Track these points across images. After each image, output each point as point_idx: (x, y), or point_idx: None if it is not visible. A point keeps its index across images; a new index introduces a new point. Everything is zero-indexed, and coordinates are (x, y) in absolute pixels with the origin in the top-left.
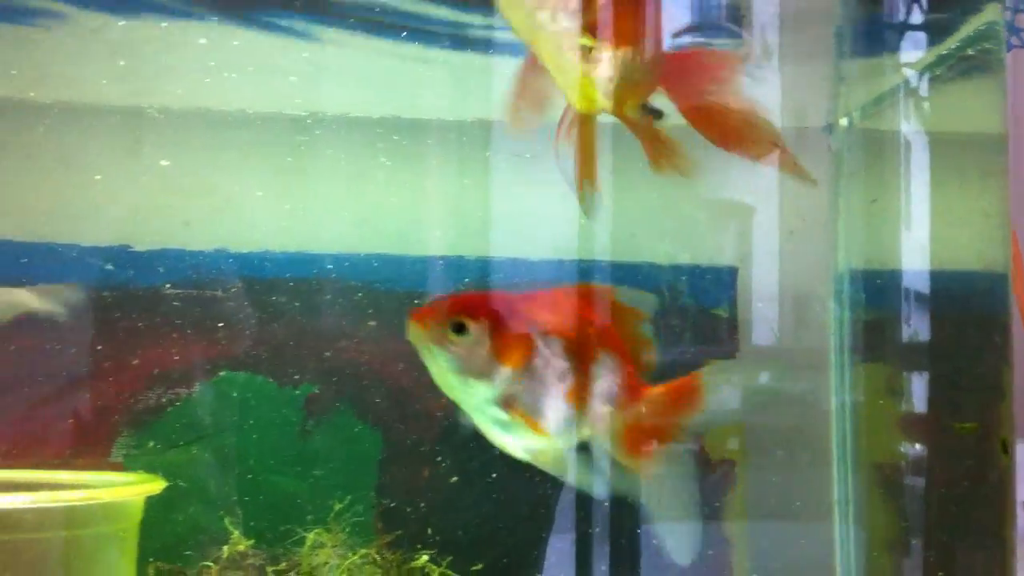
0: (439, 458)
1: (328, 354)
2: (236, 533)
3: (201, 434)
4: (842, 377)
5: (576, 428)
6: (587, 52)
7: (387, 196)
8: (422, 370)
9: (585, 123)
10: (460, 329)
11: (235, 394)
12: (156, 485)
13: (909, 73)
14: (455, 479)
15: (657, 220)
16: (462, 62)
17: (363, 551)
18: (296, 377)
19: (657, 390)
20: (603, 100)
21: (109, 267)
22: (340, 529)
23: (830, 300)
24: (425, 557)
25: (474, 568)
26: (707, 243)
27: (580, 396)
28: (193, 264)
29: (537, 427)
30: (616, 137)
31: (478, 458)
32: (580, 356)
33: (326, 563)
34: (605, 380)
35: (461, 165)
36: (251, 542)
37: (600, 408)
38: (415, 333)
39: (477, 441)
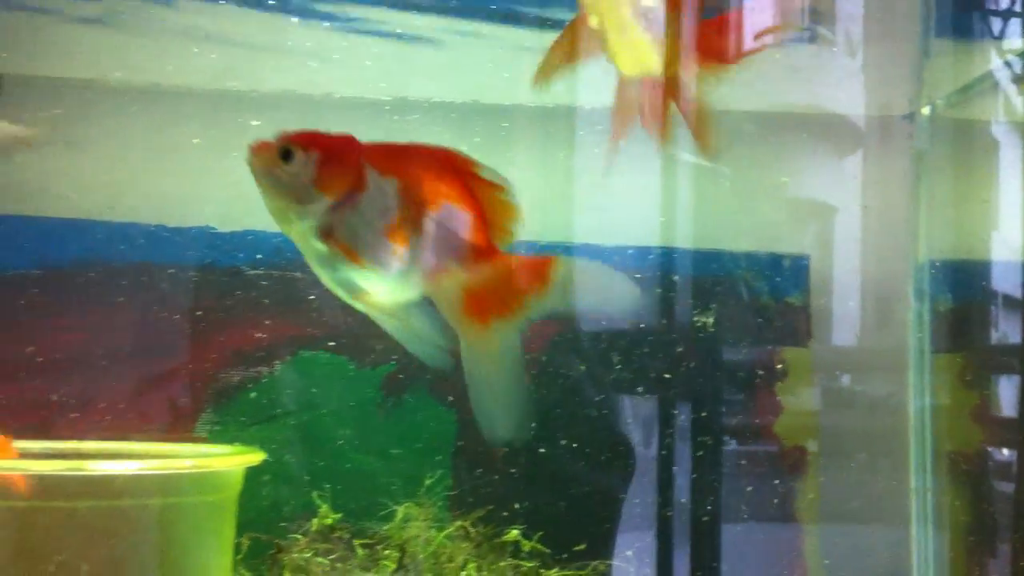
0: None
1: None
2: (324, 507)
3: (281, 411)
4: (921, 369)
5: (409, 276)
6: (648, 13)
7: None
8: None
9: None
10: (288, 156)
11: (314, 373)
12: (256, 456)
13: (1001, 60)
14: (529, 458)
15: (734, 210)
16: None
17: (458, 523)
18: (374, 357)
19: (510, 257)
20: (654, 62)
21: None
22: (431, 503)
23: (909, 291)
24: (516, 532)
25: (576, 548)
26: (781, 233)
27: (413, 240)
28: (272, 246)
29: (356, 258)
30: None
31: (553, 438)
32: (420, 201)
33: (417, 536)
34: (450, 233)
35: (545, 151)
36: (339, 516)
37: (441, 260)
38: (252, 160)
39: (551, 421)
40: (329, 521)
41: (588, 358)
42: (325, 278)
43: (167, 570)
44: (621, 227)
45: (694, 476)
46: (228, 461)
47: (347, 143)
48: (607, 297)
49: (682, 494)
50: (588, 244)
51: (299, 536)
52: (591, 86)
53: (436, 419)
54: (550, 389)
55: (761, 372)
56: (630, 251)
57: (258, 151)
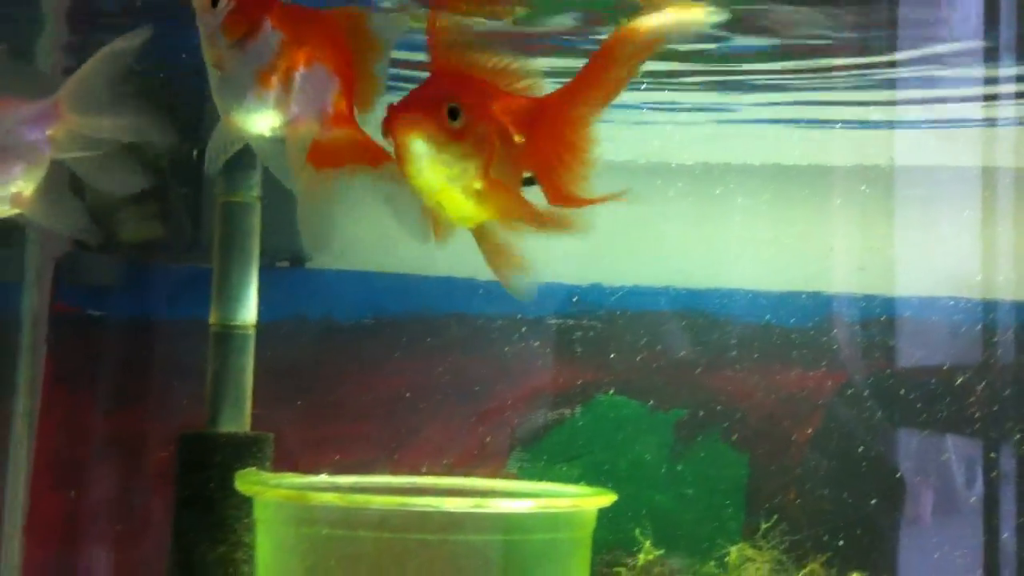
0: (805, 483)
1: (698, 382)
2: (647, 543)
3: (582, 452)
4: None
5: (272, 116)
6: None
7: (778, 235)
8: (787, 400)
9: None
10: (215, 2)
11: (611, 416)
12: (609, 497)
13: None
14: (824, 502)
15: None
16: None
17: (811, 566)
18: (667, 402)
19: (359, 131)
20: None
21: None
22: (769, 546)
23: None
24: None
25: None
26: None
27: (281, 89)
28: (567, 296)
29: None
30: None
31: (844, 482)
32: (296, 59)
33: None
34: (313, 92)
35: (864, 207)
36: (660, 552)
37: (300, 113)
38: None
39: (841, 467)
40: (651, 557)
41: (882, 405)
42: (216, 98)
43: None
44: (939, 279)
45: (1011, 523)
46: (591, 501)
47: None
48: None
49: (1001, 541)
50: (903, 296)
51: (621, 569)
52: (907, 146)
53: (728, 463)
54: (848, 433)
55: None
56: (949, 302)
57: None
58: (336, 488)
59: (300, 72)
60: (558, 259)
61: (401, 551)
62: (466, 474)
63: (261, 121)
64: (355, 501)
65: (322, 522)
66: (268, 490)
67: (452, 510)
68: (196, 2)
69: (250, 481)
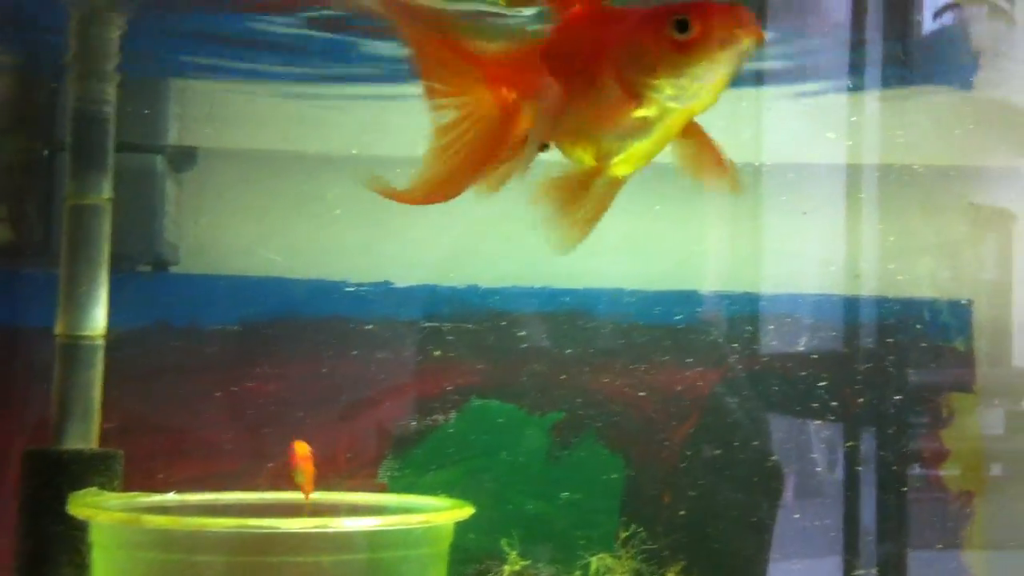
0: (680, 483)
1: (574, 384)
2: (513, 553)
3: (456, 458)
4: None
5: None
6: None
7: (651, 234)
8: (662, 399)
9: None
10: None
11: (486, 421)
12: (467, 510)
13: None
14: (697, 503)
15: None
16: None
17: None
18: (543, 405)
19: None
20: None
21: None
22: (628, 556)
23: None
24: None
25: None
26: (943, 277)
27: None
28: (443, 299)
29: None
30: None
31: (719, 483)
32: None
33: None
34: None
35: (733, 205)
36: (527, 562)
37: None
38: None
39: (716, 466)
40: (517, 567)
41: (756, 400)
42: None
43: None
44: (802, 276)
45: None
46: (444, 516)
47: None
48: None
49: (862, 527)
50: (770, 293)
51: None
52: (774, 143)
53: (605, 465)
54: (720, 432)
55: (928, 417)
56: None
57: None
58: (185, 506)
59: None
60: (432, 260)
61: (242, 574)
62: (334, 485)
63: None
64: (190, 524)
65: (157, 546)
66: (100, 513)
67: (293, 531)
68: None
69: (83, 504)
